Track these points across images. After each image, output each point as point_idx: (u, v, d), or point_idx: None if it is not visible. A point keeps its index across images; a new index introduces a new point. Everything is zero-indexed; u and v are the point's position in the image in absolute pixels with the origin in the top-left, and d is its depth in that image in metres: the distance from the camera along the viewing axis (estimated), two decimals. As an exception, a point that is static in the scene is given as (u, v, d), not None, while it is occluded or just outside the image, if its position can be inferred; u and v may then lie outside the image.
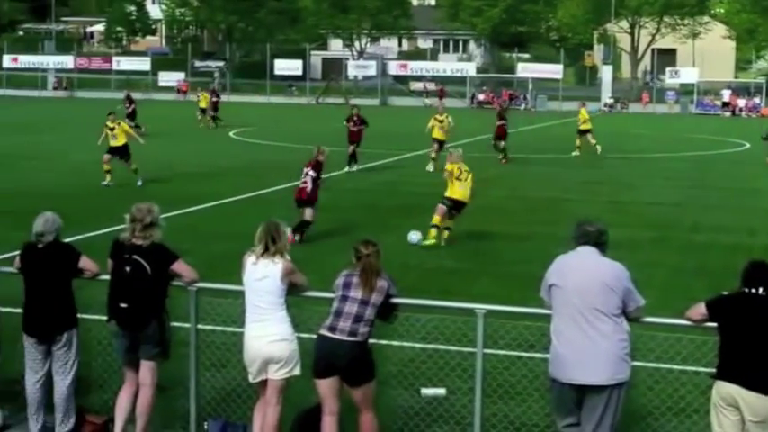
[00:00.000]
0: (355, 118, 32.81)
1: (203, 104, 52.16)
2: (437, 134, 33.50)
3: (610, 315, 7.58)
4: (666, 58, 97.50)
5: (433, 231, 18.97)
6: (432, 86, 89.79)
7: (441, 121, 33.78)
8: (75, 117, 49.96)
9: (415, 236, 18.92)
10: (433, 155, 32.44)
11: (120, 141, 27.47)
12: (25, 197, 24.12)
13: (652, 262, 17.68)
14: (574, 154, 38.58)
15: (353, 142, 32.26)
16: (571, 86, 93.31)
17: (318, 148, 19.83)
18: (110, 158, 27.20)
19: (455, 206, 19.33)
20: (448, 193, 19.35)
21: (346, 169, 31.37)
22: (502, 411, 9.40)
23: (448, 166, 19.74)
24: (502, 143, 35.48)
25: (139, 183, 26.65)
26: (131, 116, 45.58)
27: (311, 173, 19.48)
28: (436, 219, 19.05)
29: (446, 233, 19.23)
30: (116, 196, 23.98)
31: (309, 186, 19.43)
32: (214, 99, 53.12)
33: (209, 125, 50.65)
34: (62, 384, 8.84)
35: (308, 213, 19.23)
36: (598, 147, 38.72)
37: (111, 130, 27.61)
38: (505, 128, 35.75)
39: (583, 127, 39.39)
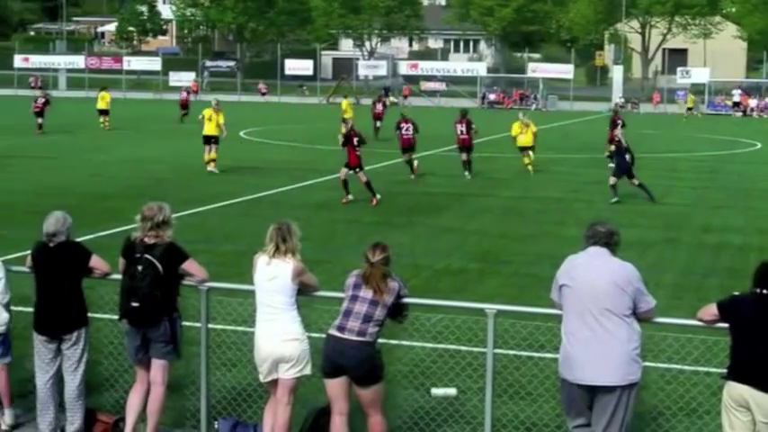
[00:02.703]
0: (404, 123, 31.48)
1: (102, 106, 49.75)
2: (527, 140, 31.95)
3: (620, 316, 7.57)
4: (677, 57, 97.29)
5: None
6: (443, 86, 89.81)
7: (527, 125, 32.02)
8: (85, 117, 50.02)
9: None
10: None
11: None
12: (37, 196, 24.18)
13: (663, 262, 17.66)
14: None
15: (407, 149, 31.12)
16: (582, 86, 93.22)
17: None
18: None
19: None
20: None
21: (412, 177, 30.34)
22: (512, 411, 9.40)
23: None
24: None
25: None
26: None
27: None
28: None
29: None
30: (128, 196, 24.01)
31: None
32: (183, 96, 56.15)
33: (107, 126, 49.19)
34: (72, 383, 8.85)
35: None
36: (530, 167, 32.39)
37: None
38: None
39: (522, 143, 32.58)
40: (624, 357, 7.54)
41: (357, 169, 24.38)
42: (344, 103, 46.15)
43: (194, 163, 32.88)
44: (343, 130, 26.24)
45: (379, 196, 24.37)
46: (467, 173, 30.60)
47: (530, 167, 31.89)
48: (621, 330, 7.56)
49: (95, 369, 9.86)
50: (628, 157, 26.16)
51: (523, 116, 33.47)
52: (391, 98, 47.73)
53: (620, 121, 34.86)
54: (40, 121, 45.98)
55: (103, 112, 49.16)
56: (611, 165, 28.55)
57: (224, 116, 31.31)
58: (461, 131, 30.92)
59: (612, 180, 25.99)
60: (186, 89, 61.68)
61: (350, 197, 24.35)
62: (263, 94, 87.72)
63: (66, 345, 8.83)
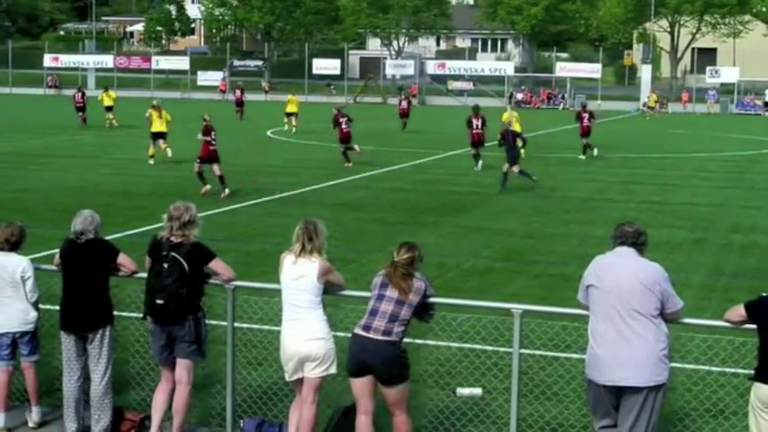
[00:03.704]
0: (477, 120, 32.85)
1: (108, 102, 50.31)
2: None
3: (648, 316, 7.53)
4: (707, 57, 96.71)
5: None
6: (470, 86, 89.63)
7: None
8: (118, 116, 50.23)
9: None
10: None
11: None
12: (65, 195, 24.33)
13: (690, 263, 17.57)
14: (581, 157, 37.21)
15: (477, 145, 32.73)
16: (610, 86, 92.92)
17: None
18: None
19: None
20: None
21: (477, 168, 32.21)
22: (538, 412, 9.38)
23: None
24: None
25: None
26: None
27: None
28: None
29: None
30: (156, 195, 24.11)
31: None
32: (237, 95, 58.82)
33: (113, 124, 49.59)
34: (98, 381, 8.89)
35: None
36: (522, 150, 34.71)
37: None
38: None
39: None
40: (652, 358, 7.51)
41: (213, 162, 25.40)
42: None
43: (223, 162, 33.00)
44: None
45: (228, 191, 25.02)
46: (479, 163, 32.29)
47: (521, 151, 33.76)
48: (649, 331, 7.53)
49: (122, 367, 9.91)
50: (520, 142, 28.36)
51: (511, 109, 37.59)
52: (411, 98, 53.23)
53: (586, 115, 37.51)
54: (81, 115, 49.18)
55: (109, 109, 50.00)
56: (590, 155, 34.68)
57: (167, 114, 33.64)
58: (477, 126, 32.70)
59: (506, 167, 27.53)
60: (240, 87, 63.14)
61: (207, 187, 25.13)
62: (267, 92, 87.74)
63: (92, 342, 8.87)
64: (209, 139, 25.48)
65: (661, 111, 78.49)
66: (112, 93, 52.01)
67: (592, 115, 37.99)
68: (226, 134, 31.35)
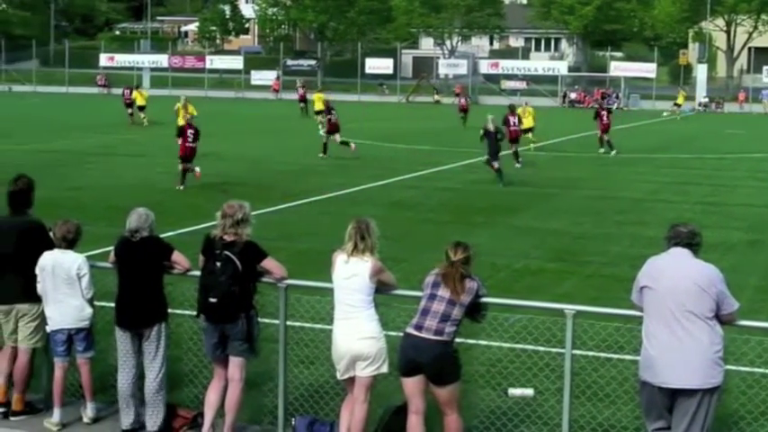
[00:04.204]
0: (513, 117, 34.15)
1: (141, 102, 51.43)
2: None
3: (703, 318, 7.46)
4: (763, 56, 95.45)
5: None
6: (523, 85, 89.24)
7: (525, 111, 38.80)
8: (167, 115, 50.52)
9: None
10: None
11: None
12: (120, 192, 24.57)
13: (746, 264, 17.37)
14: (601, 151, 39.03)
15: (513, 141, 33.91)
16: (665, 85, 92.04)
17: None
18: None
19: None
20: None
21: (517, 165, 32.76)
22: (590, 413, 9.32)
23: None
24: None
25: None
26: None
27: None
28: None
29: None
30: (208, 194, 24.28)
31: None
32: (300, 92, 59.85)
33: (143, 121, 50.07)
34: (151, 378, 8.98)
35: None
36: (532, 145, 39.10)
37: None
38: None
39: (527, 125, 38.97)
40: (706, 360, 7.44)
41: (187, 162, 26.45)
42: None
43: (274, 161, 33.21)
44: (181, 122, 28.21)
45: (181, 188, 25.94)
46: (519, 161, 33.18)
47: (531, 146, 38.56)
48: (704, 333, 7.45)
49: (176, 365, 9.98)
50: (498, 136, 29.29)
51: (525, 104, 40.85)
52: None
53: (604, 113, 39.87)
54: (130, 111, 50.79)
55: (141, 108, 50.75)
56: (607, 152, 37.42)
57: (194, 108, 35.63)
58: (514, 123, 33.91)
59: (492, 161, 28.75)
60: (303, 85, 65.04)
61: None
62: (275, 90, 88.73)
63: (146, 339, 8.96)
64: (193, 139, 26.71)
65: (716, 110, 77.65)
66: (145, 92, 52.38)
67: (610, 111, 40.73)
68: (279, 134, 31.42)
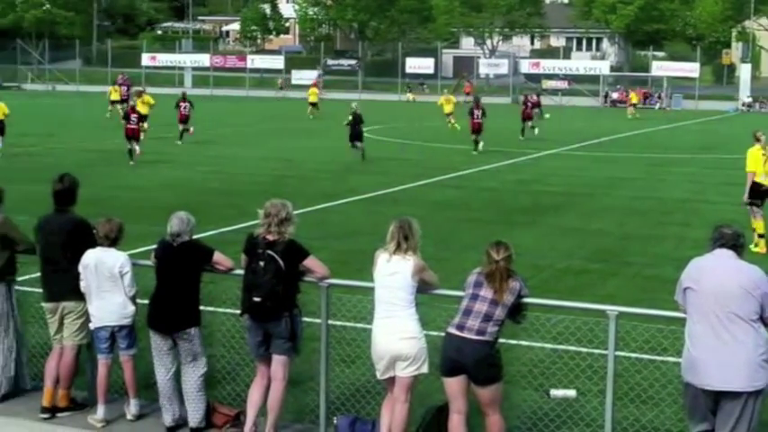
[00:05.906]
0: (477, 110, 37.80)
1: (114, 97, 55.24)
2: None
3: (747, 320, 7.40)
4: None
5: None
6: (565, 85, 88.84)
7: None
8: (207, 115, 50.90)
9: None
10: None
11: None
12: (163, 192, 24.72)
13: (791, 266, 17.16)
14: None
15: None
16: (708, 85, 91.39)
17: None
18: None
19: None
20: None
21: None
22: (633, 415, 9.27)
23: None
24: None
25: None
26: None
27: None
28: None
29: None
30: (251, 193, 24.37)
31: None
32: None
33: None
34: (190, 377, 9.04)
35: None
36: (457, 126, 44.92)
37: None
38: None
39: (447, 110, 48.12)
40: (751, 363, 7.37)
41: (134, 141, 32.14)
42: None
43: (316, 160, 33.26)
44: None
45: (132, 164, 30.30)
46: (480, 145, 37.27)
47: (452, 125, 46.27)
48: (748, 335, 7.39)
49: (217, 363, 10.03)
50: (361, 126, 34.25)
51: (447, 92, 50.85)
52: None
53: (529, 104, 46.14)
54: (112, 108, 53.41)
55: (144, 118, 48.69)
56: None
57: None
58: (477, 116, 37.58)
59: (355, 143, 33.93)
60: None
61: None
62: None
63: (182, 342, 9.01)
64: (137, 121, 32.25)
65: (760, 110, 77.01)
66: (150, 97, 42.82)
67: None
68: (321, 133, 31.47)
